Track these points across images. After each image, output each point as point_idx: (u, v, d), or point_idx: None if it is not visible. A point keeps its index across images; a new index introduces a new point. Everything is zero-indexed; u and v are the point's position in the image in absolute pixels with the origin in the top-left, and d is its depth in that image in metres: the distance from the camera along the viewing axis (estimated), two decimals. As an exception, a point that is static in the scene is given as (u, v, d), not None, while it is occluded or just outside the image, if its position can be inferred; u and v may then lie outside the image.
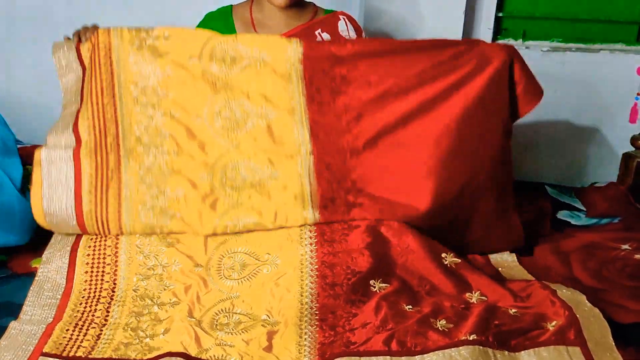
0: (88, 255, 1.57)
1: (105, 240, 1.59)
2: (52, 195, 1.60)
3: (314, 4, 1.97)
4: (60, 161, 1.62)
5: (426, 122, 1.65)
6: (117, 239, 1.60)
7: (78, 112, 1.67)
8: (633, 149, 2.29)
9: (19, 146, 2.46)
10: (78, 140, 1.64)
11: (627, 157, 2.27)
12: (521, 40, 2.47)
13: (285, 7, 1.83)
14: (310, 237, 1.61)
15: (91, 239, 1.60)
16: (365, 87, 1.66)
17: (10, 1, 2.45)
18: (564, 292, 1.48)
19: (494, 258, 1.81)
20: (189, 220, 1.62)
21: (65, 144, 1.64)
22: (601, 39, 2.47)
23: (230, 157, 1.64)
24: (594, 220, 2.03)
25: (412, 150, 1.65)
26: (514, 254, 1.82)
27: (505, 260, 1.80)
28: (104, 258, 1.57)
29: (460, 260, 1.61)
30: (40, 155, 1.63)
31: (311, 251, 1.59)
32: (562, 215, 2.08)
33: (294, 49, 1.65)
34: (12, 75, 2.55)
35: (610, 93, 2.44)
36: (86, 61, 1.69)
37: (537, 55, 2.42)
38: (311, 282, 1.54)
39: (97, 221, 1.61)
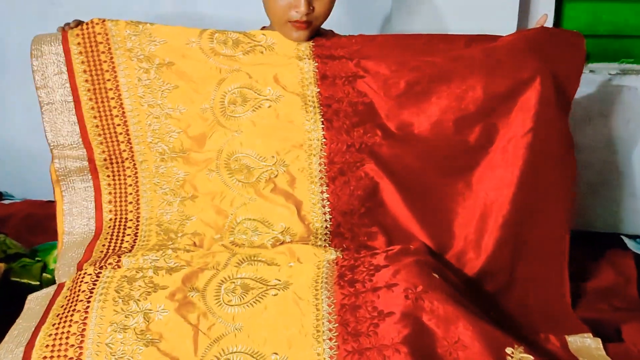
0: (45, 357, 1.22)
1: (68, 338, 1.24)
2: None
3: (333, 31, 1.64)
4: (75, 174, 1.53)
5: None
6: (83, 335, 1.25)
7: (81, 121, 1.52)
8: None
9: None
10: (89, 149, 1.52)
11: None
12: (584, 62, 2.08)
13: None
14: (330, 330, 1.23)
15: (49, 335, 1.25)
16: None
17: (1, 42, 2.19)
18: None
19: (574, 342, 1.41)
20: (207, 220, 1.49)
21: (75, 155, 1.53)
22: (683, 58, 2.06)
23: (234, 144, 1.51)
24: (692, 285, 1.62)
25: None
26: (598, 339, 1.41)
27: (588, 347, 1.39)
28: (64, 363, 1.22)
29: (532, 358, 1.21)
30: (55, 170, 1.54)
31: (330, 348, 1.21)
32: (651, 278, 1.66)
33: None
34: (3, 121, 2.29)
35: (697, 122, 2.03)
36: (76, 50, 1.51)
37: (603, 79, 2.03)
38: (330, 393, 1.16)
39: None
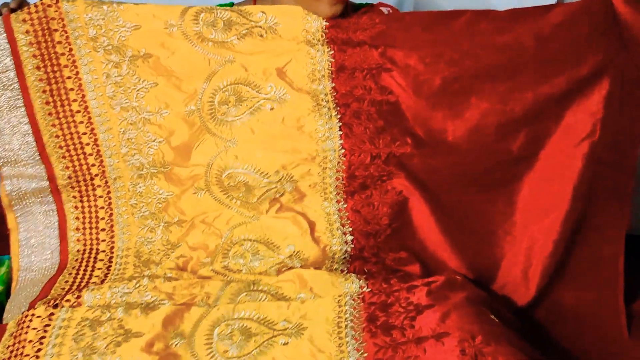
0: None
1: None
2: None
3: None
4: (32, 197, 1.22)
5: None
6: None
7: (36, 131, 1.19)
8: None
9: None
10: (48, 165, 1.21)
11: None
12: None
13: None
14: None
15: None
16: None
17: None
18: None
19: None
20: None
21: (31, 173, 1.21)
22: None
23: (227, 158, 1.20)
24: None
25: None
26: None
27: None
28: None
29: None
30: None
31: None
32: None
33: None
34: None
35: None
36: (24, 40, 1.15)
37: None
38: None
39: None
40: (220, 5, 1.34)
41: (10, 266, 1.25)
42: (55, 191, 1.22)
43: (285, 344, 1.01)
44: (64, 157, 1.20)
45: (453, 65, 1.15)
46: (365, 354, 0.97)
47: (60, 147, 1.20)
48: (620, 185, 1.24)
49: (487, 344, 0.94)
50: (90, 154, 1.21)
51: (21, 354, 0.98)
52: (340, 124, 1.17)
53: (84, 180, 1.22)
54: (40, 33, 1.15)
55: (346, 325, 1.02)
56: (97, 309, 1.05)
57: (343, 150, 1.17)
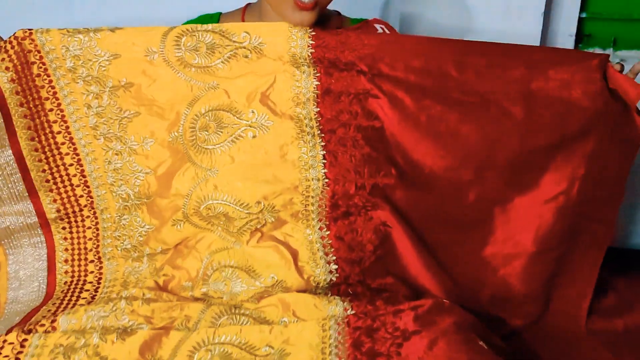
0: None
1: None
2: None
3: (339, 13, 1.29)
4: (21, 232, 1.19)
5: None
6: None
7: (24, 169, 1.15)
8: None
9: None
10: (36, 200, 1.18)
11: None
12: (611, 49, 1.79)
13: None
14: None
15: None
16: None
17: None
18: None
19: None
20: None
21: (19, 209, 1.18)
22: None
23: (207, 188, 1.16)
24: None
25: None
26: None
27: None
28: None
29: None
30: None
31: None
32: None
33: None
34: None
35: None
36: (5, 77, 1.11)
37: (633, 69, 1.74)
38: None
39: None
40: (207, 15, 1.31)
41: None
42: (44, 225, 1.19)
43: (268, 371, 0.98)
44: (51, 190, 1.17)
45: (440, 104, 1.13)
46: None
47: (47, 181, 1.17)
48: (600, 236, 1.23)
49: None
50: (78, 185, 1.18)
51: (-9, 383, 0.95)
52: (324, 152, 1.14)
53: (73, 211, 1.19)
54: (19, 68, 1.11)
55: (330, 352, 0.99)
56: (71, 334, 1.01)
57: (327, 180, 1.14)
